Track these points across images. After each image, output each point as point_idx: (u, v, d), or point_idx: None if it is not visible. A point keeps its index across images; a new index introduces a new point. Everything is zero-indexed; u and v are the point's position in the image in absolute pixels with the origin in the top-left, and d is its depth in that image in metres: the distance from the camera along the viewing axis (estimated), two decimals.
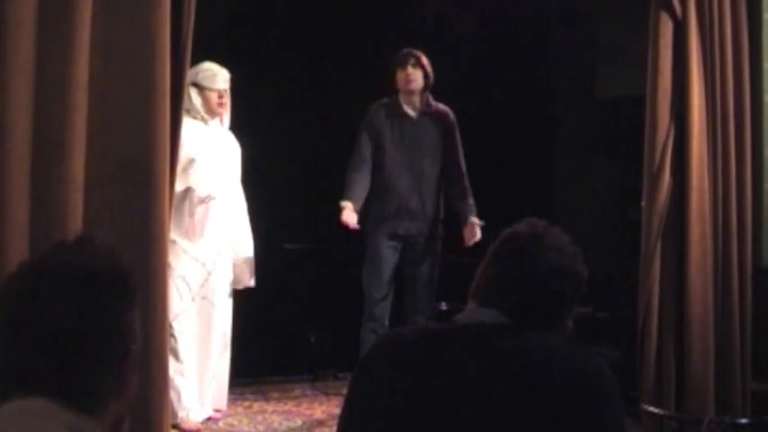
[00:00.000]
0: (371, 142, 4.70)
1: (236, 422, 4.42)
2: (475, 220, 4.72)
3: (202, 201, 4.20)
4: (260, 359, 5.09)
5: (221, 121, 4.45)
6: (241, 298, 4.53)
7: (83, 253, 1.31)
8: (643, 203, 4.27)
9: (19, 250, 2.67)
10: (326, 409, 4.73)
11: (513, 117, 6.09)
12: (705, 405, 4.10)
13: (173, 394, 3.83)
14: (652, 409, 4.01)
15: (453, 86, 5.11)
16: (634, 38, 4.66)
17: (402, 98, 4.74)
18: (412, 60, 4.70)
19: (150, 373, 2.95)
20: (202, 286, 4.25)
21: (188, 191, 4.17)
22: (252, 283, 4.56)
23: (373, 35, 5.55)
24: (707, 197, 4.21)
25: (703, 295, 4.18)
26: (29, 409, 1.21)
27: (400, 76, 4.71)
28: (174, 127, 3.07)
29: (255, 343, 4.85)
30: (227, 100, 4.38)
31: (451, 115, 4.82)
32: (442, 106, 4.82)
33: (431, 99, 4.79)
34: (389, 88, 4.76)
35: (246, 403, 4.79)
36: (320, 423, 4.48)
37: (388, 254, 4.68)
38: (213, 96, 4.32)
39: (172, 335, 3.93)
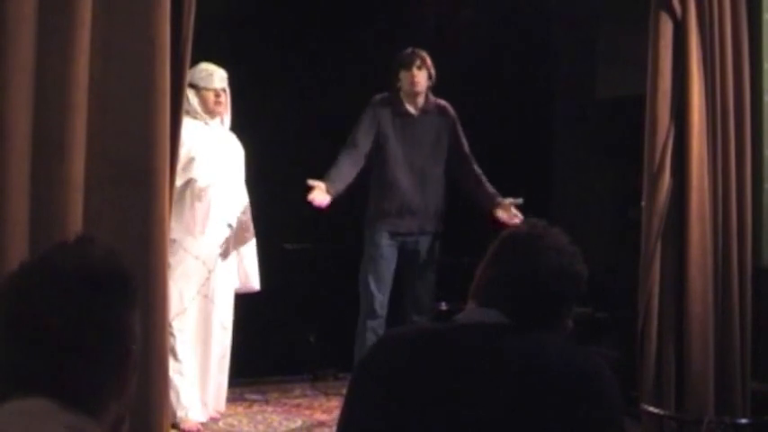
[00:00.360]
0: (371, 136, 4.66)
1: (236, 422, 4.42)
2: (509, 199, 4.70)
3: (203, 191, 4.20)
4: (260, 359, 5.09)
5: (222, 121, 4.45)
6: (241, 297, 4.53)
7: (83, 254, 1.31)
8: (643, 203, 4.27)
9: (19, 250, 2.67)
10: (326, 409, 4.73)
11: (513, 117, 6.09)
12: (705, 405, 4.10)
13: (172, 394, 3.83)
14: (652, 409, 4.01)
15: (453, 86, 5.10)
16: (634, 38, 4.66)
17: (404, 97, 4.72)
18: (417, 62, 4.67)
19: (150, 373, 2.95)
20: (203, 285, 4.25)
21: (189, 182, 4.18)
22: (256, 286, 4.55)
23: (374, 35, 5.55)
24: (707, 197, 4.21)
25: (703, 295, 4.17)
26: (28, 410, 1.21)
27: (405, 77, 4.68)
28: (174, 127, 3.07)
29: (255, 343, 4.85)
30: (224, 99, 4.38)
31: (450, 109, 4.81)
32: (440, 101, 4.81)
33: (430, 96, 4.77)
34: (390, 86, 4.74)
35: (246, 403, 4.79)
36: (320, 423, 4.48)
37: (390, 252, 4.66)
38: (210, 96, 4.33)
39: (171, 334, 3.93)
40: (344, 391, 1.79)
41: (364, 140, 4.65)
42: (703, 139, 4.21)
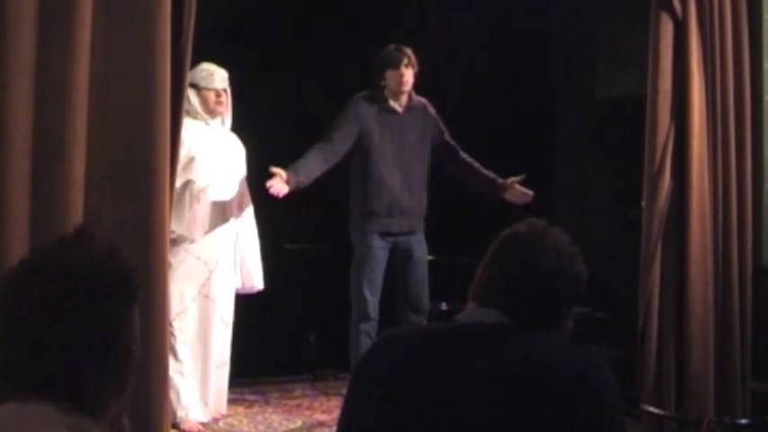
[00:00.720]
0: (351, 134, 4.58)
1: (236, 422, 4.42)
2: (510, 179, 4.72)
3: (201, 191, 4.20)
4: (260, 359, 5.08)
5: (222, 121, 4.45)
6: (241, 297, 4.53)
7: (84, 251, 1.30)
8: (643, 203, 4.27)
9: (19, 250, 2.67)
10: (326, 409, 4.73)
11: (513, 117, 6.08)
12: (705, 405, 4.10)
13: (172, 394, 3.83)
14: (652, 409, 4.01)
15: (453, 86, 5.10)
16: (634, 38, 4.67)
17: (389, 95, 4.66)
18: (405, 60, 4.62)
19: (150, 373, 2.95)
20: (204, 285, 4.25)
21: (188, 183, 4.18)
22: (260, 285, 4.55)
23: (374, 35, 5.54)
24: (707, 197, 4.21)
25: (703, 295, 4.18)
26: (28, 411, 1.20)
27: (392, 75, 4.62)
28: (174, 127, 3.07)
29: (255, 343, 4.85)
30: (225, 99, 4.38)
31: (429, 106, 4.78)
32: (421, 99, 4.77)
33: (413, 93, 4.74)
34: (374, 84, 4.68)
35: (246, 403, 4.79)
36: (320, 423, 4.48)
37: (381, 255, 4.61)
38: (211, 96, 4.33)
39: (171, 334, 3.93)
40: (344, 391, 1.79)
41: (342, 137, 4.56)
42: (703, 139, 4.21)
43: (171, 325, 3.80)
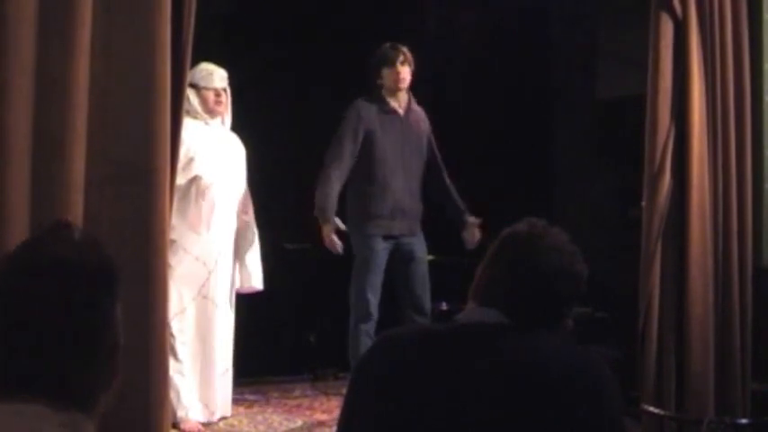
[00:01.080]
0: (357, 144, 4.58)
1: (236, 422, 4.42)
2: (472, 219, 4.72)
3: (207, 188, 4.20)
4: (260, 359, 5.09)
5: (222, 121, 4.45)
6: (241, 297, 4.53)
7: (63, 245, 1.28)
8: (643, 203, 4.27)
9: None
10: (327, 408, 4.73)
11: (513, 117, 6.09)
12: (705, 405, 4.10)
13: (172, 394, 3.83)
14: (652, 409, 4.01)
15: (453, 86, 5.11)
16: (634, 38, 4.66)
17: (387, 95, 4.64)
18: (401, 57, 4.60)
19: (150, 373, 2.95)
20: (203, 285, 4.25)
21: (194, 179, 4.19)
22: (259, 286, 4.55)
23: (374, 35, 5.54)
24: (707, 197, 4.21)
25: (703, 295, 4.17)
26: (19, 410, 1.19)
27: (389, 74, 4.61)
28: (174, 127, 3.07)
29: (255, 343, 4.85)
30: (225, 99, 4.38)
31: (426, 117, 4.79)
32: (417, 107, 4.77)
33: (412, 98, 4.73)
34: (371, 84, 4.68)
35: (247, 403, 4.79)
36: (320, 423, 4.48)
37: (384, 257, 4.60)
38: (210, 95, 4.33)
39: (171, 334, 3.92)
40: (344, 391, 1.79)
41: (351, 151, 4.57)
42: (704, 138, 4.21)
43: (170, 325, 3.80)
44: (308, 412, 4.68)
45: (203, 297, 4.26)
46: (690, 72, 4.18)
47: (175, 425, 4.08)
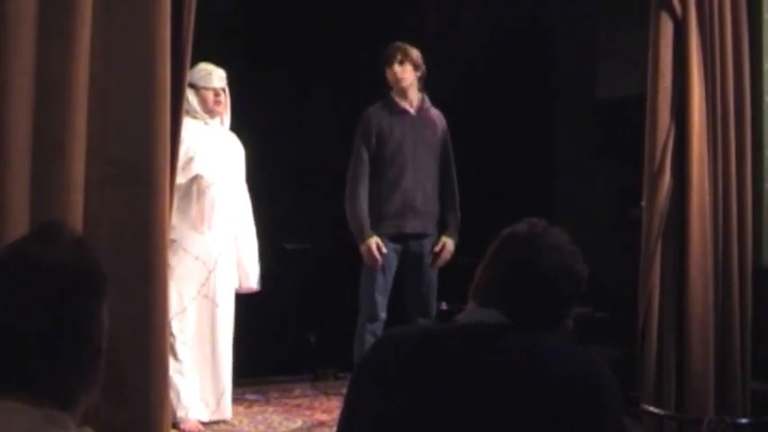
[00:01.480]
0: (371, 147, 4.59)
1: (236, 422, 4.42)
2: (449, 242, 4.64)
3: (208, 187, 4.20)
4: (260, 359, 5.09)
5: (221, 121, 4.45)
6: (241, 297, 4.53)
7: (52, 248, 1.28)
8: (643, 203, 4.27)
9: None
10: (327, 408, 4.74)
11: (513, 117, 6.09)
12: (705, 405, 4.10)
13: (172, 394, 3.83)
14: (652, 409, 4.01)
15: (453, 86, 5.10)
16: (634, 38, 4.66)
17: (397, 95, 4.65)
18: (398, 56, 4.59)
19: (150, 373, 2.95)
20: (203, 285, 4.26)
21: (195, 177, 4.19)
22: (256, 286, 4.55)
23: (373, 35, 5.55)
24: (707, 197, 4.21)
25: (703, 295, 4.17)
26: (3, 407, 1.20)
27: (389, 73, 4.61)
28: (174, 127, 3.07)
29: (255, 343, 4.86)
30: (224, 98, 4.39)
31: (443, 119, 4.75)
32: (435, 109, 4.74)
33: (427, 99, 4.72)
34: (385, 87, 4.69)
35: (247, 403, 4.80)
36: (320, 423, 4.49)
37: (392, 256, 4.59)
38: (209, 95, 4.33)
39: (171, 334, 3.93)
40: (345, 390, 1.79)
41: (367, 159, 4.58)
42: (704, 138, 4.21)
43: (170, 325, 3.80)
44: (308, 412, 4.68)
45: (203, 296, 4.26)
46: (690, 72, 4.18)
47: (175, 425, 4.09)
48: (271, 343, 5.22)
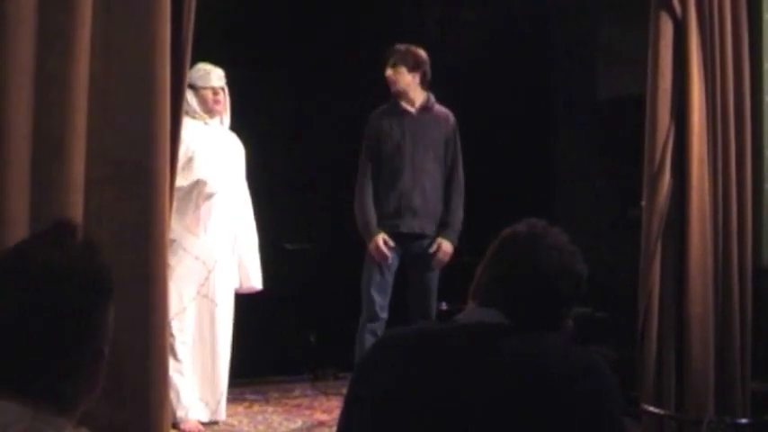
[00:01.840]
0: (372, 152, 4.62)
1: (236, 422, 4.42)
2: (445, 243, 4.61)
3: (210, 196, 4.20)
4: (260, 359, 5.09)
5: (221, 120, 4.45)
6: (241, 297, 4.53)
7: (60, 249, 1.27)
8: (643, 203, 4.27)
9: None
10: (327, 408, 4.74)
11: (513, 117, 6.09)
12: (705, 405, 4.10)
13: (172, 394, 3.83)
14: (652, 409, 4.01)
15: (453, 86, 5.10)
16: (634, 38, 4.66)
17: (397, 96, 4.64)
18: (391, 61, 4.60)
19: (150, 373, 2.95)
20: (203, 285, 4.26)
21: (197, 182, 4.18)
22: (258, 285, 4.54)
23: (373, 35, 5.55)
24: (707, 197, 4.21)
25: (703, 295, 4.17)
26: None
27: (386, 77, 4.65)
28: (174, 127, 3.07)
29: (255, 343, 4.85)
30: (223, 98, 4.38)
31: (452, 118, 4.70)
32: (443, 108, 4.72)
33: (432, 98, 4.71)
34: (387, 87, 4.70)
35: (246, 403, 4.80)
36: (320, 423, 4.49)
37: (391, 255, 4.58)
38: (208, 94, 4.34)
39: (171, 334, 3.93)
40: (345, 390, 1.79)
41: (371, 160, 4.62)
42: (703, 138, 4.21)
43: (170, 325, 3.80)
44: (307, 412, 4.68)
45: (203, 296, 4.26)
46: (690, 72, 4.18)
47: (175, 425, 4.09)
48: (271, 343, 5.22)
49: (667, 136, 4.19)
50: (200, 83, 4.31)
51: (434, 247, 4.61)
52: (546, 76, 6.43)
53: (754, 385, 4.27)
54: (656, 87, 4.20)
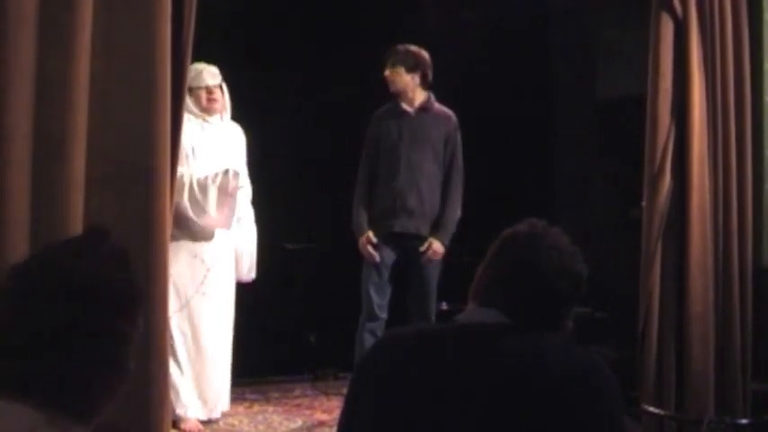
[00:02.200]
0: (371, 153, 4.63)
1: (236, 422, 4.42)
2: (435, 243, 4.58)
3: (235, 185, 4.20)
4: (260, 359, 5.09)
5: (221, 117, 4.45)
6: (242, 297, 4.53)
7: (92, 260, 1.25)
8: (643, 203, 4.27)
9: (20, 250, 2.67)
10: (327, 408, 4.74)
11: (513, 117, 6.09)
12: (705, 405, 4.10)
13: (171, 392, 3.83)
14: (652, 409, 4.01)
15: (453, 86, 5.09)
16: (634, 38, 4.67)
17: (397, 96, 4.64)
18: (390, 61, 4.60)
19: (150, 373, 2.95)
20: (202, 283, 4.25)
21: (221, 174, 4.18)
22: (252, 275, 4.53)
23: (374, 35, 5.55)
24: (707, 197, 4.21)
25: (704, 295, 4.17)
26: (13, 409, 1.19)
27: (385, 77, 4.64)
28: (175, 127, 3.07)
29: (255, 343, 4.85)
30: (218, 95, 4.38)
31: (453, 119, 4.68)
32: (443, 108, 4.71)
33: (432, 98, 4.71)
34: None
35: (247, 403, 4.80)
36: (320, 423, 4.49)
37: (386, 253, 4.59)
38: (202, 94, 4.34)
39: (169, 332, 3.92)
40: (345, 390, 1.79)
41: (371, 161, 4.63)
42: (704, 138, 4.21)
43: (169, 324, 3.80)
44: (307, 412, 4.68)
45: (202, 294, 4.26)
46: (690, 72, 4.18)
47: (175, 423, 4.09)
48: (271, 343, 5.22)
49: (668, 136, 4.20)
50: (193, 83, 4.29)
51: (425, 246, 4.59)
52: (546, 76, 6.43)
53: (754, 385, 4.28)
54: (656, 87, 4.20)
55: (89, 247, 1.27)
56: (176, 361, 4.13)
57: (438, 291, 4.77)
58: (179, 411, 4.16)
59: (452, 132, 4.68)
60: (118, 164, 2.93)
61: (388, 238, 4.59)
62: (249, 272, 4.52)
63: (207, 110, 4.35)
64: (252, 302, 4.64)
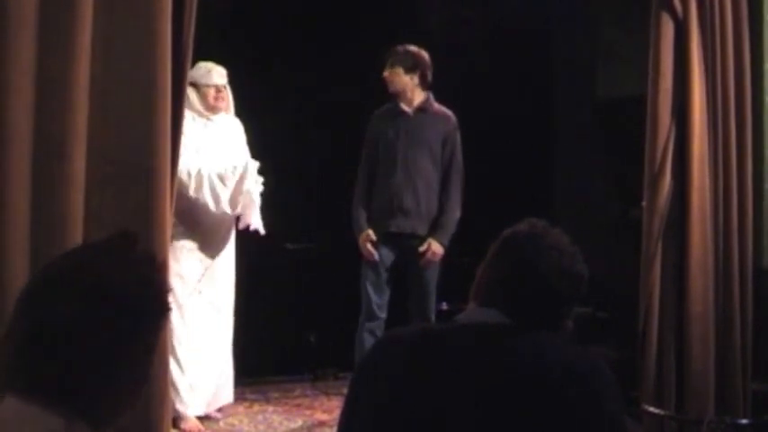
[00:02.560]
0: (370, 153, 4.64)
1: (236, 422, 4.42)
2: (434, 244, 4.56)
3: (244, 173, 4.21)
4: (260, 359, 5.09)
5: (225, 113, 4.47)
6: (241, 298, 4.53)
7: (122, 267, 1.23)
8: (643, 203, 4.27)
9: (20, 250, 2.67)
10: (327, 408, 4.74)
11: (513, 117, 6.09)
12: (705, 405, 4.10)
13: (171, 391, 3.82)
14: (652, 409, 4.01)
15: (453, 86, 5.09)
16: (634, 37, 4.67)
17: (396, 97, 4.64)
18: (389, 62, 4.60)
19: (151, 371, 2.94)
20: (200, 281, 4.26)
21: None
22: (259, 224, 4.45)
23: (374, 35, 5.54)
24: (708, 197, 4.21)
25: (704, 295, 4.17)
26: (30, 411, 1.18)
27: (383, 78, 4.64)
28: (175, 126, 3.08)
29: (255, 343, 4.85)
30: (225, 95, 4.40)
31: (453, 119, 4.67)
32: (443, 108, 4.70)
33: (431, 98, 4.70)
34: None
35: (247, 403, 4.80)
36: (320, 423, 4.49)
37: (384, 253, 4.58)
38: (210, 92, 4.35)
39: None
40: (345, 390, 1.79)
41: (370, 160, 4.64)
42: (704, 139, 4.21)
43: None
44: (308, 412, 4.68)
45: (199, 292, 4.26)
46: (690, 72, 4.18)
47: (175, 422, 4.09)
48: (271, 343, 5.22)
49: (668, 136, 4.20)
50: (202, 81, 4.32)
51: (424, 247, 4.58)
52: (546, 76, 6.43)
53: (754, 385, 4.28)
54: (656, 87, 4.20)
55: (119, 252, 1.26)
56: (176, 359, 4.13)
57: (438, 291, 4.76)
58: (180, 408, 4.16)
59: (451, 132, 4.67)
60: (118, 164, 2.93)
61: (385, 238, 4.59)
62: (251, 218, 4.45)
63: (213, 108, 4.37)
64: (252, 303, 4.64)
